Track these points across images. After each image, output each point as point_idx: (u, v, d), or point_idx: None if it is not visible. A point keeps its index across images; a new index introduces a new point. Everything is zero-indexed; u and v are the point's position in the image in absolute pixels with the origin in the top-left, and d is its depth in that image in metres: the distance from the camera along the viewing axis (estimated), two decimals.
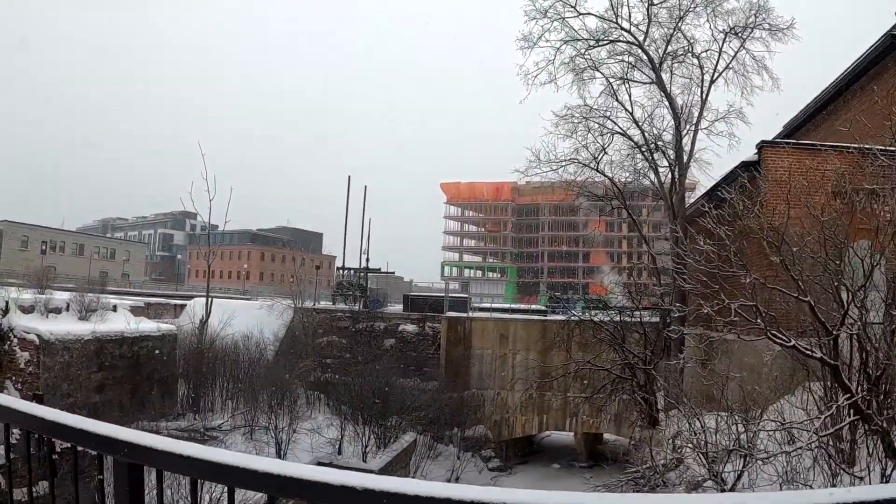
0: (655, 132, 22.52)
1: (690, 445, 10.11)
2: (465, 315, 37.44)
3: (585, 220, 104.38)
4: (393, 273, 54.41)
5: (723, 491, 9.33)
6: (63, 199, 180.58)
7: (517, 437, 34.93)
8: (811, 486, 8.07)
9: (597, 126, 22.34)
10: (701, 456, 9.98)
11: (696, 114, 21.90)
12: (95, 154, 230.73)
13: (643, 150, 22.38)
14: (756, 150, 16.95)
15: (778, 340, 9.10)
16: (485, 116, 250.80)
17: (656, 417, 15.85)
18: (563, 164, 22.29)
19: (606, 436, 38.94)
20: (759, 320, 9.08)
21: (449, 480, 29.35)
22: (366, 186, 47.96)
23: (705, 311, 10.12)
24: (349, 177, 48.29)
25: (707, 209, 11.54)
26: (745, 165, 16.80)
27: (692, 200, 23.16)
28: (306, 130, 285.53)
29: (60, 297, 24.87)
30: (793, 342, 9.08)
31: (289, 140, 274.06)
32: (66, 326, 22.48)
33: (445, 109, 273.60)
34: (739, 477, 9.27)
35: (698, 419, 10.10)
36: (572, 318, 20.03)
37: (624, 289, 35.26)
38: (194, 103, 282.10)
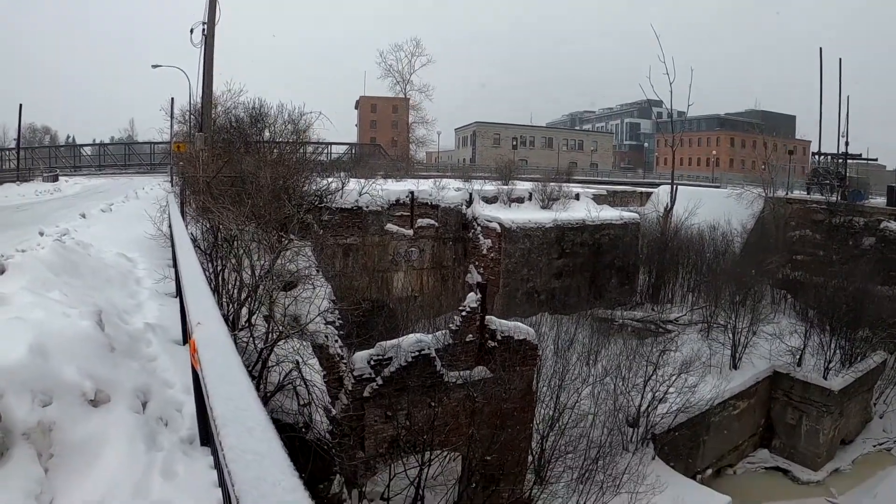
0: None
1: None
2: None
3: None
4: (875, 160, 45.67)
5: None
6: (532, 98, 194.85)
7: None
8: None
9: None
10: None
11: None
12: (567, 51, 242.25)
13: None
14: None
15: None
16: None
17: None
18: None
19: None
20: None
21: None
22: (840, 59, 40.54)
23: None
24: (820, 48, 41.93)
25: None
26: None
27: None
28: None
29: (522, 187, 26.91)
30: None
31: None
32: (527, 215, 24.05)
33: None
34: None
35: None
36: None
37: None
38: None
